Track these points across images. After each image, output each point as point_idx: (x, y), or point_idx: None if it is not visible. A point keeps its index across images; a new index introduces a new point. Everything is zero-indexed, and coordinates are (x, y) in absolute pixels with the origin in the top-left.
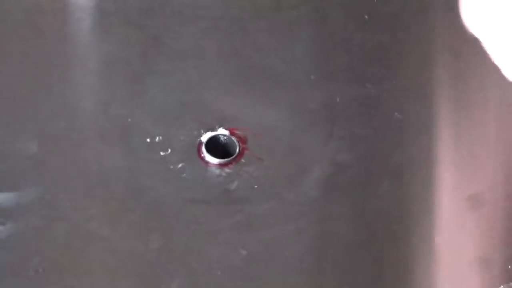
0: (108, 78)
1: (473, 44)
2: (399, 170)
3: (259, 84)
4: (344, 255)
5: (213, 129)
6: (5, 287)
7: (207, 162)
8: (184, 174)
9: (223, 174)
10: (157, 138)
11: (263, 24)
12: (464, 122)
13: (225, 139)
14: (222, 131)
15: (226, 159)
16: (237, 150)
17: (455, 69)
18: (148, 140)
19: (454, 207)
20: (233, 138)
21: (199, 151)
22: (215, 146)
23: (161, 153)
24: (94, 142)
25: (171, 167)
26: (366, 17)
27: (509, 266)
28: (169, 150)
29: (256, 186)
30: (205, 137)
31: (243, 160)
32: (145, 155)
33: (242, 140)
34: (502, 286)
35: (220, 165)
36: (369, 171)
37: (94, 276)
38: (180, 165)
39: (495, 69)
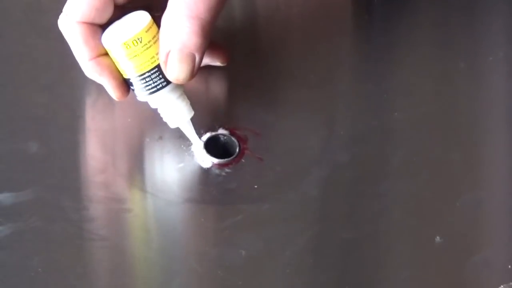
0: None
1: (473, 44)
2: (399, 170)
3: (259, 84)
4: (343, 255)
5: (213, 129)
6: (5, 287)
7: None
8: (184, 174)
9: (223, 174)
10: (157, 138)
11: (262, 24)
12: (464, 121)
13: (225, 139)
14: (222, 131)
15: (226, 159)
16: (237, 150)
17: (456, 69)
18: (148, 140)
19: (454, 207)
20: (233, 138)
21: None
22: (215, 146)
23: (161, 153)
24: (94, 142)
25: (171, 167)
26: (367, 17)
27: (509, 266)
28: (169, 150)
29: (256, 186)
30: (205, 137)
31: (243, 160)
32: (145, 155)
33: (242, 140)
34: (502, 286)
35: (220, 165)
36: (369, 171)
37: (94, 276)
38: (180, 165)
39: (497, 68)
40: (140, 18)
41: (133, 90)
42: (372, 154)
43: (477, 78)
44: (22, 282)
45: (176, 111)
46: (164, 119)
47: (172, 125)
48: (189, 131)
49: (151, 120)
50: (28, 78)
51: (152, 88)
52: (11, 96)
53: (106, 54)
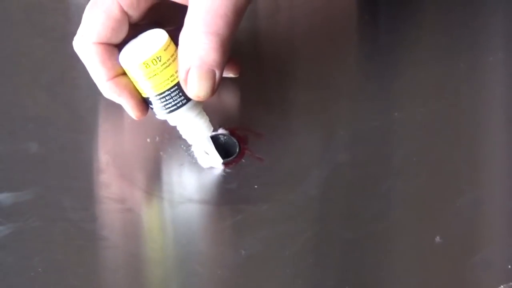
0: None
1: (473, 44)
2: (399, 170)
3: (260, 84)
4: (343, 255)
5: (213, 129)
6: (5, 287)
7: None
8: (184, 174)
9: (223, 174)
10: (157, 138)
11: (262, 24)
12: (464, 121)
13: (225, 139)
14: (222, 131)
15: (226, 159)
16: (237, 150)
17: (456, 69)
18: (148, 140)
19: (454, 207)
20: (233, 138)
21: None
22: (215, 146)
23: (161, 153)
24: (94, 142)
25: (171, 167)
26: (367, 17)
27: (509, 266)
28: (169, 150)
29: (256, 186)
30: None
31: (243, 160)
32: (145, 155)
33: (242, 140)
34: (502, 286)
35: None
36: (369, 171)
37: (94, 276)
38: (180, 165)
39: (497, 68)
40: (157, 37)
41: (152, 108)
42: (372, 154)
43: (477, 79)
44: (22, 282)
45: (195, 128)
46: (183, 136)
47: (191, 141)
48: (209, 147)
49: (151, 120)
50: (28, 78)
51: (172, 106)
52: (11, 96)
53: (124, 73)
